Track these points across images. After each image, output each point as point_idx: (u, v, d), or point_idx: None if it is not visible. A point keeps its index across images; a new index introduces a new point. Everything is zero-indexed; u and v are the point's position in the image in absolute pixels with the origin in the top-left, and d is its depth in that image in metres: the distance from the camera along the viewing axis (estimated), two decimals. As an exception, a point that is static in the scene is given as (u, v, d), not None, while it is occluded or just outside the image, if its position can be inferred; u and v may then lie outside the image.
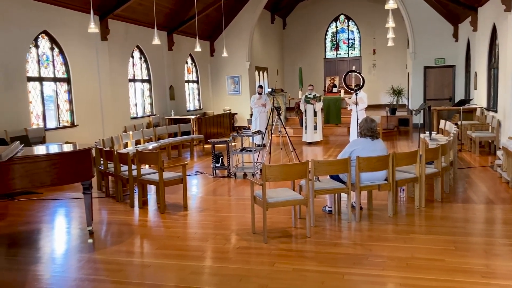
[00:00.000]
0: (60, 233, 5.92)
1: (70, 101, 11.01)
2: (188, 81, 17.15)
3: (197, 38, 13.32)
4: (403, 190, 6.76)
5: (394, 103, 18.47)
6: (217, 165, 8.99)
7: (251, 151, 8.87)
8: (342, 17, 24.28)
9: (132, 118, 13.41)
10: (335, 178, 5.82)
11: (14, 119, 9.18)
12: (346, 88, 16.81)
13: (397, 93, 19.02)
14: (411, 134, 15.04)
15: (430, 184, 6.76)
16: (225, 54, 15.29)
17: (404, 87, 19.34)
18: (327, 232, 5.37)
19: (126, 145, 10.52)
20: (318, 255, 4.62)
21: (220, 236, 5.33)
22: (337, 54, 24.56)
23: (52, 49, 10.52)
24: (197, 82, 17.94)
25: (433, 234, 5.13)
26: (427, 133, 8.93)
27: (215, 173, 8.97)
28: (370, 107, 14.54)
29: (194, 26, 14.00)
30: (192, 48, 14.11)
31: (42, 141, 9.53)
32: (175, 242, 5.21)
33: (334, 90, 21.09)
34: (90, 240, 5.35)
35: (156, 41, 11.35)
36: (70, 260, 4.85)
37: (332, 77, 21.72)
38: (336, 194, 5.89)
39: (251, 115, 13.75)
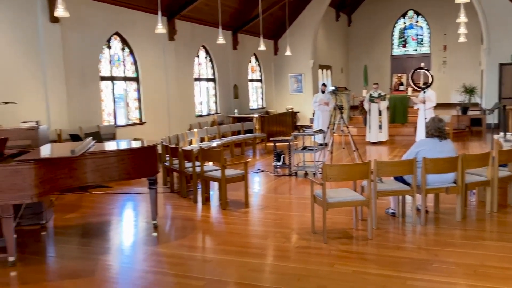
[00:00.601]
0: (127, 225, 6.21)
1: (139, 99, 11.49)
2: (251, 80, 17.32)
3: (261, 37, 13.40)
4: (474, 193, 6.41)
5: (466, 102, 17.53)
6: (278, 163, 9.00)
7: (313, 150, 8.80)
8: (410, 13, 23.44)
9: (197, 116, 13.75)
10: (400, 179, 5.63)
11: (88, 117, 9.74)
12: (414, 86, 16.26)
13: (469, 91, 18.04)
14: (484, 135, 14.22)
15: (504, 188, 6.33)
16: (288, 53, 15.27)
17: (477, 85, 18.31)
18: (390, 235, 5.22)
19: (191, 143, 10.82)
20: (379, 258, 4.50)
21: (280, 234, 5.33)
22: (404, 51, 23.75)
23: (123, 49, 11.03)
24: (260, 81, 18.07)
25: (506, 241, 4.83)
26: (502, 133, 8.40)
27: (276, 171, 8.99)
28: (439, 106, 13.93)
29: (259, 25, 14.10)
30: (256, 47, 14.23)
31: (112, 137, 10.02)
32: (236, 238, 5.28)
33: (401, 88, 20.43)
34: (155, 234, 5.55)
35: (221, 40, 11.56)
36: (136, 252, 5.07)
37: (399, 75, 21.06)
38: (400, 196, 5.70)
39: (313, 114, 13.64)
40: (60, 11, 6.60)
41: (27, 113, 7.78)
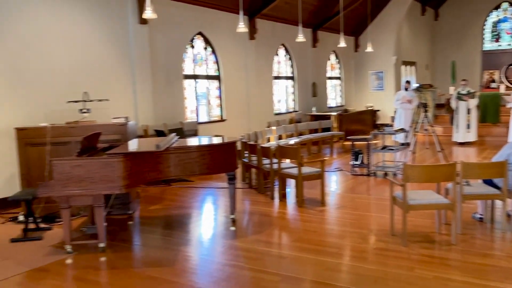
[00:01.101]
0: (207, 219, 6.43)
1: (220, 97, 11.81)
2: (330, 78, 17.11)
3: (341, 33, 13.18)
4: None
5: None
6: (356, 162, 8.82)
7: (393, 149, 8.51)
8: (505, 5, 21.78)
9: (275, 114, 13.86)
10: (488, 182, 5.29)
11: (172, 113, 10.19)
12: (507, 84, 15.15)
13: None
14: None
15: None
16: (369, 49, 14.88)
17: None
18: (476, 241, 4.92)
19: (269, 140, 10.93)
20: (464, 265, 4.26)
21: (356, 234, 5.24)
22: (498, 45, 22.14)
23: (205, 48, 11.39)
24: (339, 78, 17.80)
25: None
26: None
27: (354, 170, 8.81)
28: (536, 105, 12.84)
29: (339, 22, 13.87)
30: (336, 44, 14.01)
31: (194, 133, 10.39)
32: (312, 236, 5.27)
33: (493, 85, 19.12)
34: (233, 228, 5.69)
35: (301, 38, 11.53)
36: (215, 244, 5.24)
37: (491, 71, 19.69)
38: (489, 201, 5.35)
39: (395, 112, 13.18)
40: (148, 13, 6.95)
41: (118, 110, 8.28)
